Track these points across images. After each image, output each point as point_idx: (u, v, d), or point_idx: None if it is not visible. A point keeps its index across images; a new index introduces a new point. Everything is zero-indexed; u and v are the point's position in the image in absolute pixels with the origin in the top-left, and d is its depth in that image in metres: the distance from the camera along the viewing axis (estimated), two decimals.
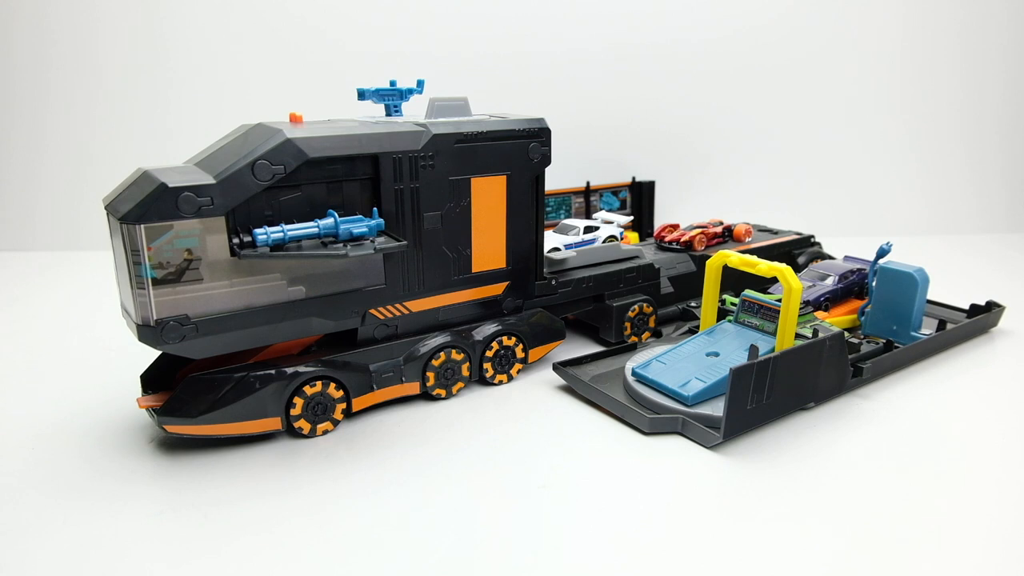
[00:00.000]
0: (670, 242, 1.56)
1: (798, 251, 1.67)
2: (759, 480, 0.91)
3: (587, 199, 1.97)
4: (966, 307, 1.43)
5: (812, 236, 1.72)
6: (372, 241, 0.96)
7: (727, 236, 1.63)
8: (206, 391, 0.95)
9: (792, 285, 1.06)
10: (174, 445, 1.00)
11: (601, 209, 1.98)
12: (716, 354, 1.13)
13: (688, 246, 1.54)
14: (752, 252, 1.26)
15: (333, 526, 0.82)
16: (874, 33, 2.29)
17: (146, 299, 0.87)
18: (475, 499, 0.87)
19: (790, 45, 2.28)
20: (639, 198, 2.08)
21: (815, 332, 1.10)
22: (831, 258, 1.64)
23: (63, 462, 0.96)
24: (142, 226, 0.84)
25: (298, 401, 0.99)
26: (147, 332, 0.88)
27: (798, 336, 1.09)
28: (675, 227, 1.62)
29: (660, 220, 2.14)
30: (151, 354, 1.05)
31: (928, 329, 1.32)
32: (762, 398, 1.01)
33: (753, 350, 1.03)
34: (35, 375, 1.25)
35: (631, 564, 0.75)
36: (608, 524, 0.82)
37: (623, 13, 2.20)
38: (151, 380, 1.04)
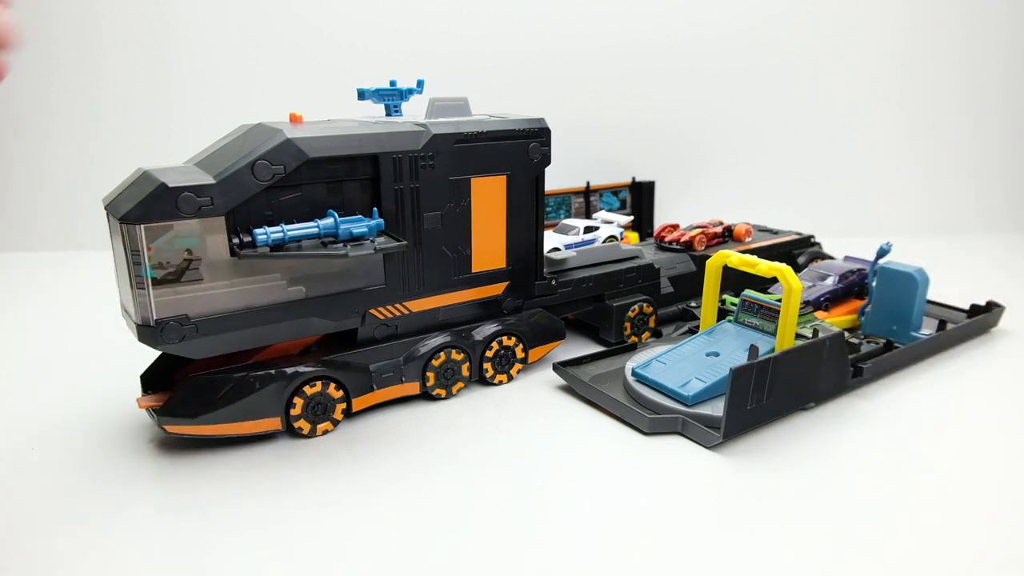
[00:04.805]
0: (670, 242, 1.56)
1: (798, 251, 1.67)
2: (759, 480, 0.91)
3: (587, 199, 1.97)
4: (966, 307, 1.43)
5: (812, 236, 1.72)
6: (372, 241, 0.96)
7: (727, 236, 1.63)
8: (206, 391, 0.95)
9: (792, 285, 1.06)
10: (174, 445, 0.99)
11: (601, 209, 1.98)
12: (716, 354, 1.13)
13: (688, 246, 1.54)
14: (752, 252, 1.26)
15: (333, 526, 0.82)
16: (875, 33, 2.29)
17: (146, 299, 0.86)
18: (475, 499, 0.87)
19: (790, 45, 2.28)
20: (639, 198, 2.08)
21: (815, 332, 1.10)
22: (831, 258, 1.64)
23: (63, 463, 0.96)
24: (142, 226, 0.84)
25: (298, 401, 0.99)
26: (147, 332, 0.88)
27: (798, 336, 1.09)
28: (675, 227, 1.62)
29: (660, 220, 2.14)
30: (151, 354, 1.05)
31: (928, 329, 1.32)
32: (762, 398, 1.01)
33: (753, 350, 1.02)
34: (35, 375, 1.25)
35: (631, 564, 0.75)
36: (608, 524, 0.82)
37: (623, 13, 2.20)
38: (151, 380, 1.04)
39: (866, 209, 2.38)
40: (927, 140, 2.39)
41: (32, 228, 2.18)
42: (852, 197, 2.38)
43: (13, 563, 0.76)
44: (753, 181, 2.35)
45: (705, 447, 0.98)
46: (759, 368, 0.99)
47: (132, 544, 0.79)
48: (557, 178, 1.94)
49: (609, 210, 1.98)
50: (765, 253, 1.53)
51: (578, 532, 0.81)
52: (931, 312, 1.42)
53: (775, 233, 1.73)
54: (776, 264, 1.10)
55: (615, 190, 2.04)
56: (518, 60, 2.18)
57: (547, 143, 1.15)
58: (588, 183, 1.96)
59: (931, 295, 1.35)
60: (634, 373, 1.13)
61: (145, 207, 0.84)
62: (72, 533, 0.81)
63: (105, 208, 0.91)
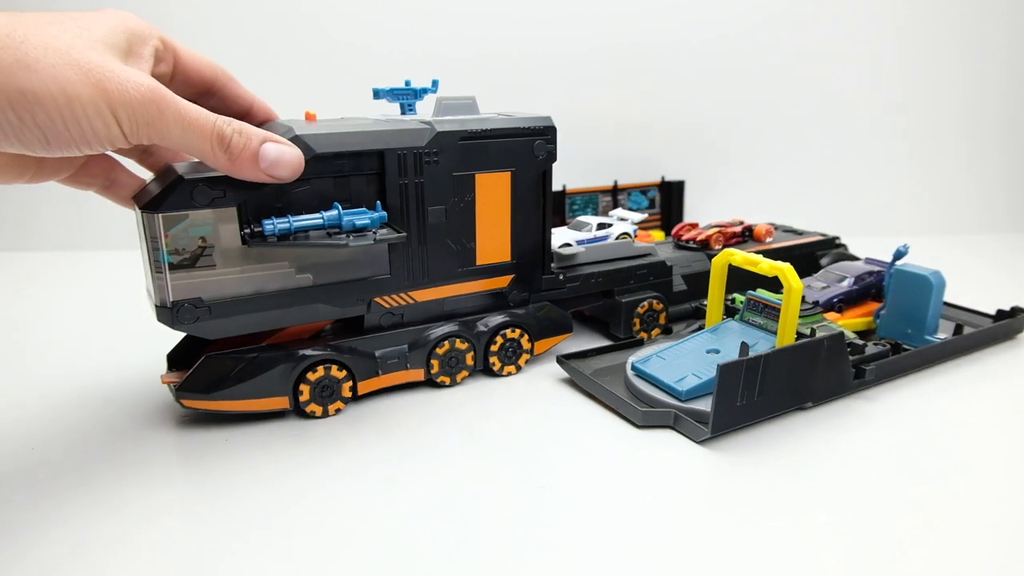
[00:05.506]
0: (687, 241, 1.56)
1: (821, 252, 1.65)
2: (748, 476, 0.91)
3: (614, 198, 1.99)
4: (984, 310, 1.39)
5: (837, 237, 1.69)
6: (373, 232, 1.01)
7: (747, 236, 1.62)
8: (221, 370, 1.02)
9: (792, 285, 1.06)
10: (193, 420, 1.07)
11: (628, 208, 1.99)
12: (717, 351, 1.14)
13: (704, 245, 1.54)
14: (773, 253, 1.25)
15: (332, 522, 0.83)
16: (885, 34, 2.24)
17: (163, 282, 0.94)
18: (475, 497, 0.88)
19: (821, 44, 2.24)
20: (668, 198, 2.08)
21: (812, 332, 1.09)
22: (857, 259, 1.61)
23: (92, 431, 1.04)
24: (160, 215, 0.91)
25: (309, 378, 1.05)
26: (164, 313, 0.95)
27: (799, 336, 1.09)
28: (694, 226, 1.63)
29: (689, 220, 2.14)
30: (177, 337, 1.12)
31: (944, 333, 1.29)
32: (753, 395, 1.01)
33: (743, 347, 1.03)
34: (72, 357, 1.35)
35: (631, 561, 0.76)
36: (604, 520, 0.82)
37: (653, 12, 2.19)
38: (176, 360, 1.11)
39: (901, 209, 2.33)
40: (959, 140, 2.33)
41: (34, 227, 2.24)
42: (883, 197, 2.33)
43: (16, 556, 0.77)
44: (785, 182, 2.32)
45: (695, 441, 1.00)
46: (748, 365, 0.99)
47: (149, 510, 0.85)
48: (585, 177, 1.97)
49: (634, 209, 1.99)
50: (784, 254, 1.52)
51: (573, 529, 0.81)
52: (952, 316, 1.39)
53: (799, 234, 1.71)
54: (777, 263, 1.10)
55: (643, 189, 2.05)
56: (545, 60, 2.19)
57: (552, 140, 1.18)
58: (616, 182, 1.98)
59: (958, 300, 1.32)
60: (633, 367, 1.15)
61: (163, 198, 0.91)
62: (95, 503, 0.88)
63: (132, 199, 0.98)
